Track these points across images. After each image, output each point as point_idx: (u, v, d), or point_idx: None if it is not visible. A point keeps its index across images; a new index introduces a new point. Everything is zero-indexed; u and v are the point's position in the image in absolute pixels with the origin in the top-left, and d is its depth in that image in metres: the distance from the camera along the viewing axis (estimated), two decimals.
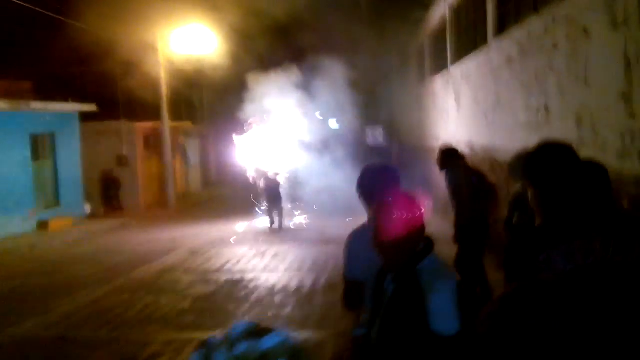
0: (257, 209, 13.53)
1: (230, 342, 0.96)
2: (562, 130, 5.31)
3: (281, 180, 13.03)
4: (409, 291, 1.97)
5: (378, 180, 2.71)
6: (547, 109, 5.86)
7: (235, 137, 13.68)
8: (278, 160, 13.20)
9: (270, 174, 12.89)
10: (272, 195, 12.74)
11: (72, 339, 6.07)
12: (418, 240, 2.03)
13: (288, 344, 0.96)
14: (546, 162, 2.00)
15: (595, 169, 1.90)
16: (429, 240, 2.07)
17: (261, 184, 13.03)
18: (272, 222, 12.80)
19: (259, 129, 13.61)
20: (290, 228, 12.88)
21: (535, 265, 1.78)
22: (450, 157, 6.27)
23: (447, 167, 6.20)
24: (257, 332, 0.97)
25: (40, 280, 8.93)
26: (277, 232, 12.50)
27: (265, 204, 13.04)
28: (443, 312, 1.87)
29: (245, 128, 13.59)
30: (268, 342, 0.95)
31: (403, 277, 2.01)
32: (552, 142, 2.15)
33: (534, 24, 6.23)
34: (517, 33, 6.85)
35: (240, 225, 13.31)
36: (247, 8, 15.01)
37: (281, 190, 12.93)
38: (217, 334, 1.01)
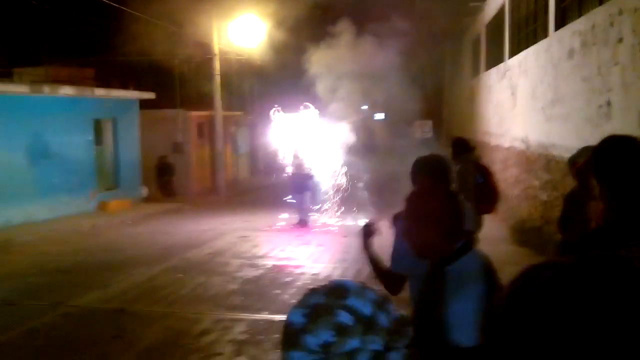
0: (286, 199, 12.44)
1: (339, 294, 1.02)
2: (624, 127, 5.13)
3: (313, 171, 11.99)
4: (432, 295, 1.87)
5: (421, 171, 2.70)
6: (609, 104, 5.67)
7: (276, 123, 12.99)
8: (318, 153, 12.29)
9: (301, 163, 11.90)
10: (299, 186, 11.76)
11: (129, 312, 6.41)
12: (449, 239, 1.89)
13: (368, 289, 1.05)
14: (616, 156, 1.95)
15: None
16: (467, 239, 1.93)
17: (290, 171, 12.17)
18: (302, 217, 11.86)
19: (302, 116, 12.76)
20: (313, 224, 11.92)
21: None
22: (461, 149, 6.14)
23: (458, 160, 6.02)
24: (364, 289, 1.05)
25: (100, 257, 9.44)
26: (301, 227, 11.64)
27: (292, 194, 12.02)
28: (460, 322, 1.75)
29: (283, 114, 12.77)
30: (370, 294, 1.03)
31: (430, 278, 1.92)
32: (619, 135, 2.10)
33: (598, 16, 6.01)
34: (580, 25, 6.62)
35: (286, 214, 13.21)
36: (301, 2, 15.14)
37: (312, 181, 11.97)
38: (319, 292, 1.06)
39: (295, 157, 12.04)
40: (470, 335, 1.69)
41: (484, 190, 5.77)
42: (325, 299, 1.00)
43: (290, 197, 12.09)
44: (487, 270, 1.90)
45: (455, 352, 1.76)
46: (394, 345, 0.97)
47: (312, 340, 0.95)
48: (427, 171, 2.66)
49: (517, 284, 0.78)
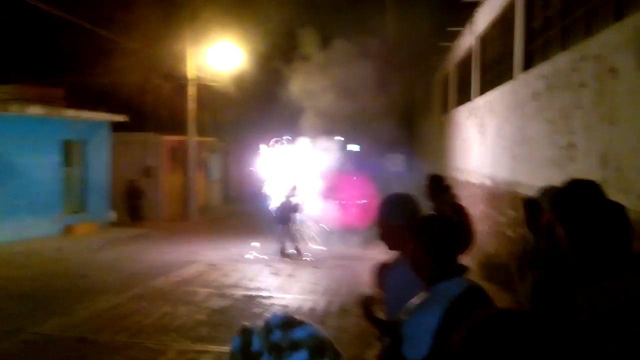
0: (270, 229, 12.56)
1: (268, 329, 1.08)
2: (586, 169, 5.35)
3: (297, 201, 12.11)
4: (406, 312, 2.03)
5: (392, 211, 2.66)
6: (572, 146, 5.91)
7: (257, 154, 13.09)
8: (294, 182, 12.35)
9: (286, 195, 12.05)
10: (285, 218, 11.92)
11: (91, 342, 6.22)
12: (437, 264, 2.06)
13: (317, 337, 1.08)
14: (578, 200, 2.03)
15: (619, 208, 1.93)
16: (453, 267, 2.09)
17: (276, 203, 12.17)
18: (283, 248, 11.87)
19: (280, 148, 13.24)
20: (306, 254, 11.91)
21: (572, 304, 1.75)
22: (438, 188, 6.10)
23: (434, 199, 5.97)
24: (291, 323, 1.09)
25: (64, 283, 9.16)
26: (294, 257, 11.69)
27: (278, 226, 12.06)
28: (411, 336, 1.92)
29: (266, 146, 13.21)
30: (299, 333, 1.07)
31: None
32: (580, 179, 2.18)
33: (561, 61, 6.32)
34: (544, 68, 6.94)
35: (257, 243, 13.10)
36: (275, 30, 15.41)
37: (296, 213, 12.09)
38: (255, 323, 1.12)
39: (285, 188, 12.20)
40: (416, 351, 1.85)
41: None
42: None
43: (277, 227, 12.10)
44: (471, 297, 2.01)
45: None
46: None
47: None
48: (397, 212, 2.66)
49: (468, 332, 0.87)
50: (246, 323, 1.11)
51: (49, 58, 18.10)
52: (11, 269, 10.17)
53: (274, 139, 13.08)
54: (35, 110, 13.39)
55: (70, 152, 14.97)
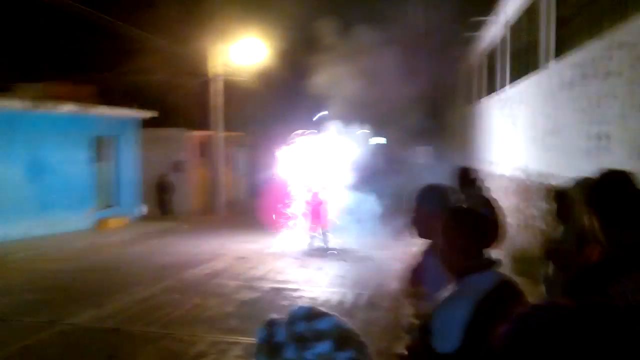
0: (292, 223, 12.53)
1: (291, 321, 1.08)
2: (620, 160, 5.20)
3: (326, 196, 12.00)
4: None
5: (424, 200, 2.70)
6: (607, 136, 5.75)
7: (281, 149, 12.91)
8: (322, 176, 12.31)
9: (315, 189, 11.96)
10: (316, 212, 11.84)
11: (124, 332, 6.37)
12: (464, 256, 2.02)
13: (341, 327, 1.08)
14: (612, 190, 1.98)
15: None
16: (483, 259, 2.04)
17: (305, 198, 12.09)
18: (313, 241, 11.91)
19: (305, 141, 12.79)
20: (333, 248, 11.82)
21: (604, 296, 1.70)
22: (465, 180, 5.98)
23: (462, 192, 5.96)
24: (314, 314, 1.09)
25: (97, 275, 9.40)
26: (322, 251, 11.62)
27: (308, 220, 12.02)
28: (441, 329, 1.89)
29: (291, 140, 12.80)
30: (323, 324, 1.06)
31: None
32: (614, 170, 2.13)
33: (594, 49, 6.13)
34: (576, 57, 6.75)
35: (284, 236, 13.27)
36: (299, 22, 15.39)
37: (326, 207, 11.97)
38: (282, 315, 1.13)
39: (313, 185, 12.05)
40: (448, 343, 1.82)
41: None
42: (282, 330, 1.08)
43: (307, 221, 12.03)
44: (503, 290, 1.96)
45: (434, 357, 1.86)
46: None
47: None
48: (431, 200, 2.68)
49: (517, 324, 0.81)
50: (272, 315, 1.12)
51: (81, 57, 18.50)
52: (46, 262, 10.48)
53: (298, 132, 12.95)
54: (68, 107, 13.73)
55: (101, 148, 15.31)
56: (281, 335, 1.06)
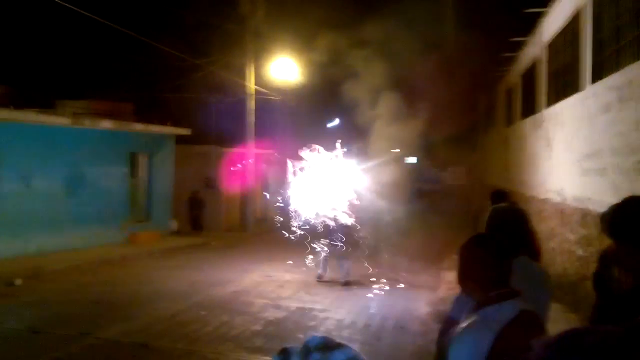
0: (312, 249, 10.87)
1: (306, 351, 1.05)
2: None
3: (348, 220, 10.31)
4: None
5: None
6: None
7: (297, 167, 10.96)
8: (347, 199, 10.57)
9: (338, 213, 10.27)
10: (335, 236, 10.35)
11: (152, 348, 6.41)
12: (484, 287, 1.94)
13: None
14: (636, 218, 1.90)
15: None
16: (503, 290, 1.94)
17: (329, 222, 10.31)
18: (324, 271, 10.60)
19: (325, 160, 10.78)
20: (350, 280, 10.47)
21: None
22: (496, 201, 5.74)
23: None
24: (330, 346, 1.06)
25: (127, 289, 9.53)
26: (342, 285, 10.32)
27: (327, 247, 10.51)
28: None
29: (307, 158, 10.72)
30: (338, 356, 1.03)
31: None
32: (638, 196, 2.04)
33: (634, 71, 5.96)
34: (616, 79, 6.57)
35: (312, 255, 12.44)
36: (334, 45, 15.51)
37: (349, 231, 10.39)
38: (296, 344, 1.10)
39: (334, 205, 10.32)
40: None
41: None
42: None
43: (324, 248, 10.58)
44: (523, 321, 1.87)
45: None
46: None
47: None
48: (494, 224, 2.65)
49: (558, 348, 0.77)
50: (287, 345, 1.09)
51: (120, 75, 19.11)
52: (80, 274, 10.70)
53: (313, 148, 11.70)
54: (106, 124, 14.13)
55: (136, 163, 15.66)
56: None
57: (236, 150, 19.03)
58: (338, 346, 1.06)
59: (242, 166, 18.74)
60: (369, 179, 11.83)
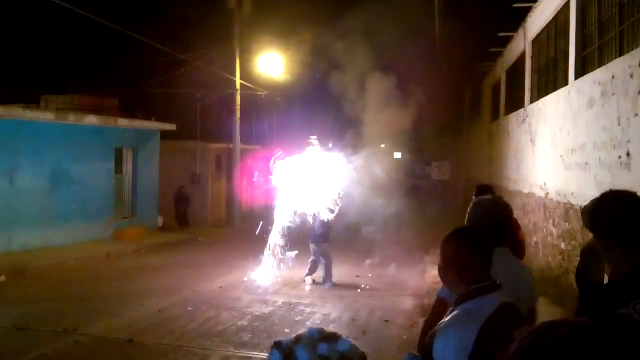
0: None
1: (313, 342, 1.06)
2: None
3: (330, 217, 9.86)
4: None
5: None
6: (628, 155, 5.63)
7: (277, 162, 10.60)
8: (333, 196, 10.12)
9: (318, 210, 9.87)
10: (323, 235, 9.89)
11: (138, 344, 6.37)
12: (464, 280, 1.94)
13: (357, 349, 1.06)
14: (615, 212, 1.92)
15: None
16: (483, 283, 1.93)
17: (310, 220, 9.97)
18: (312, 271, 10.04)
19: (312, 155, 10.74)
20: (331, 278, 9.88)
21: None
22: (479, 194, 5.91)
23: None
24: (330, 336, 1.07)
25: (112, 285, 9.46)
26: (321, 287, 9.73)
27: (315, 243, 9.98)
28: (442, 356, 1.84)
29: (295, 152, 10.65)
30: (343, 345, 1.05)
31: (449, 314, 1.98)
32: (617, 190, 2.06)
33: (617, 67, 6.04)
34: (600, 75, 6.66)
35: (295, 252, 11.17)
36: (321, 39, 15.48)
37: (329, 230, 9.99)
38: (286, 337, 1.11)
39: (320, 202, 9.97)
40: None
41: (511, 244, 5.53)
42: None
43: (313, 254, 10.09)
44: (503, 314, 1.88)
45: None
46: None
47: None
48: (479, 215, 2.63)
49: (531, 339, 0.80)
50: (278, 338, 1.10)
51: (104, 69, 18.90)
52: (64, 271, 10.60)
53: (306, 142, 11.84)
54: (91, 119, 13.96)
55: (121, 159, 15.51)
56: (304, 357, 1.04)
57: (222, 145, 18.94)
58: (336, 336, 1.08)
59: (227, 162, 18.68)
60: (357, 174, 11.81)
